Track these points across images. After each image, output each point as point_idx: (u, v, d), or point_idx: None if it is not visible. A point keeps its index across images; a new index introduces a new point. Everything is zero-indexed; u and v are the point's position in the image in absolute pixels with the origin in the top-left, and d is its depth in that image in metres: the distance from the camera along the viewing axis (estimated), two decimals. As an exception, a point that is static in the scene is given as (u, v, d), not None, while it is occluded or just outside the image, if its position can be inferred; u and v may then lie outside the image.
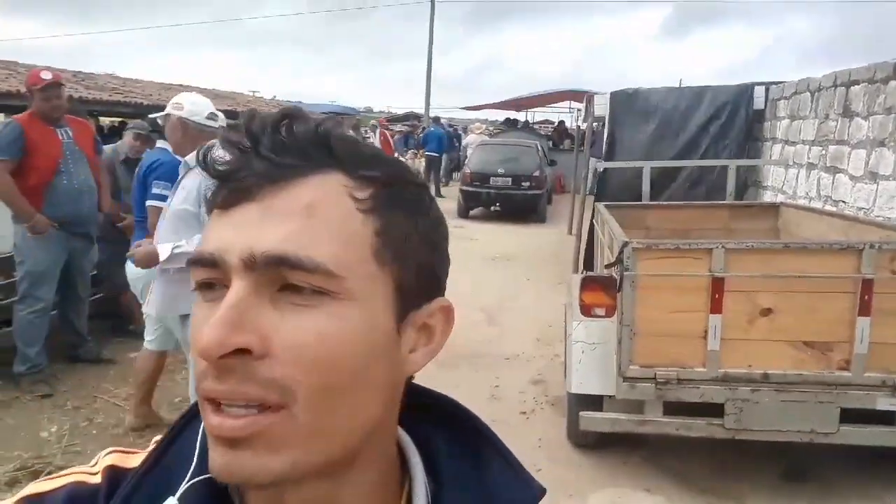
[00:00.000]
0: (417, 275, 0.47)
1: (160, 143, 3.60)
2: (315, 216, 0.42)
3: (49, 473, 2.53)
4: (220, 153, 0.44)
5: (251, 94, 21.78)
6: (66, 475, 0.50)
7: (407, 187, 0.47)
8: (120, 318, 4.99)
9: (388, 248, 0.45)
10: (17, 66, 10.32)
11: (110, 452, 0.52)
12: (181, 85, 16.20)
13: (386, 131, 16.20)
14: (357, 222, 0.44)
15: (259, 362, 0.40)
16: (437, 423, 0.54)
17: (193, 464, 0.47)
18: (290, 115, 0.44)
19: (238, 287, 0.41)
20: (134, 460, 0.51)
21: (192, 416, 0.51)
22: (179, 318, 3.07)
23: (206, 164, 0.45)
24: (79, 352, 4.38)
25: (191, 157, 2.88)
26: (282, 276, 0.41)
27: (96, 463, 0.51)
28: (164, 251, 2.84)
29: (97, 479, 0.50)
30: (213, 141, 0.48)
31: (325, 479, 0.45)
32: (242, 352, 0.40)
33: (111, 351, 4.64)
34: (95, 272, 4.53)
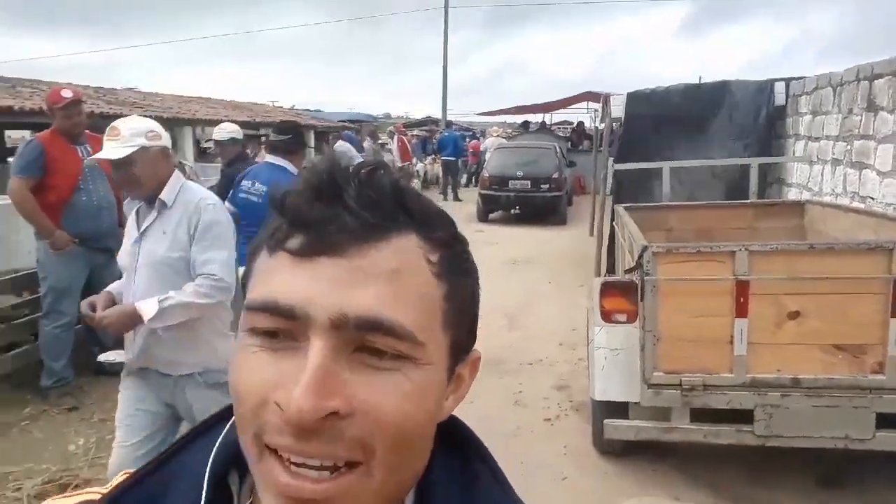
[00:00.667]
0: (468, 333, 0.49)
1: (270, 158, 3.77)
2: (400, 281, 0.42)
3: (76, 487, 2.53)
4: (297, 196, 0.43)
5: (271, 104, 21.98)
6: (78, 494, 0.51)
7: (461, 244, 0.48)
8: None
9: (452, 312, 0.46)
10: (40, 83, 10.52)
11: (125, 474, 0.52)
12: (200, 97, 16.37)
13: (403, 137, 16.18)
14: (432, 288, 0.44)
15: (344, 422, 0.40)
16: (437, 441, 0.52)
17: (203, 496, 0.46)
18: (376, 167, 0.44)
19: (322, 347, 0.40)
20: None
21: (202, 433, 0.51)
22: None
23: (283, 205, 0.44)
24: (103, 365, 4.42)
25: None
26: (366, 339, 0.41)
27: (110, 486, 0.52)
28: (148, 309, 2.14)
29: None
30: (292, 185, 0.45)
31: None
32: (329, 415, 0.39)
33: (136, 363, 4.69)
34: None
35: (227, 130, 5.04)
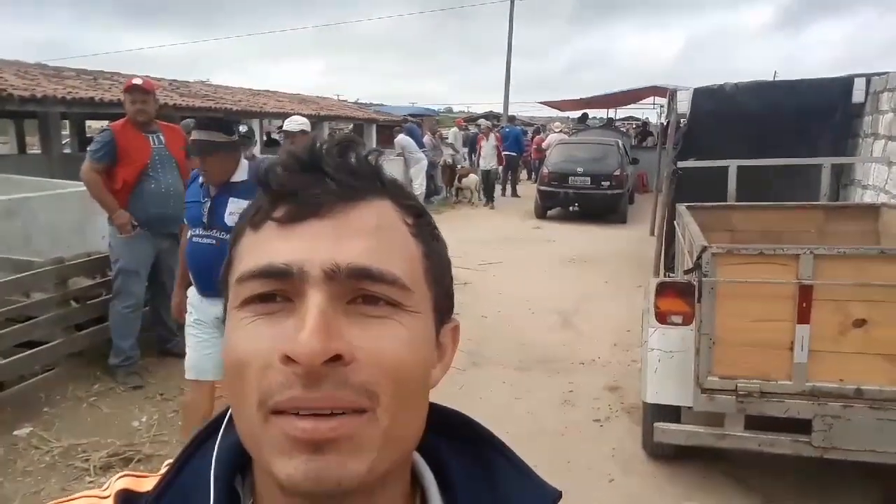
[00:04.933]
0: (446, 296, 0.51)
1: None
2: (384, 235, 0.45)
3: (139, 461, 2.65)
4: (281, 171, 0.46)
5: (336, 97, 22.38)
6: (77, 498, 0.51)
7: (429, 216, 0.52)
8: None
9: (432, 270, 0.49)
10: (119, 76, 11.03)
11: (122, 476, 0.53)
12: (268, 91, 16.84)
13: (494, 133, 14.52)
14: (412, 244, 0.48)
15: (347, 368, 0.41)
16: (445, 435, 0.54)
17: (212, 499, 0.47)
18: (350, 141, 0.47)
19: (320, 297, 0.42)
20: (146, 484, 0.52)
21: (203, 440, 0.51)
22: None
23: (267, 179, 0.46)
24: (168, 346, 4.62)
25: None
26: (357, 288, 0.43)
27: (108, 487, 0.52)
28: None
29: (108, 503, 0.50)
30: (273, 158, 0.49)
31: (361, 494, 0.44)
32: (334, 359, 0.41)
33: (198, 346, 4.88)
34: (184, 271, 4.77)
35: (297, 122, 5.16)
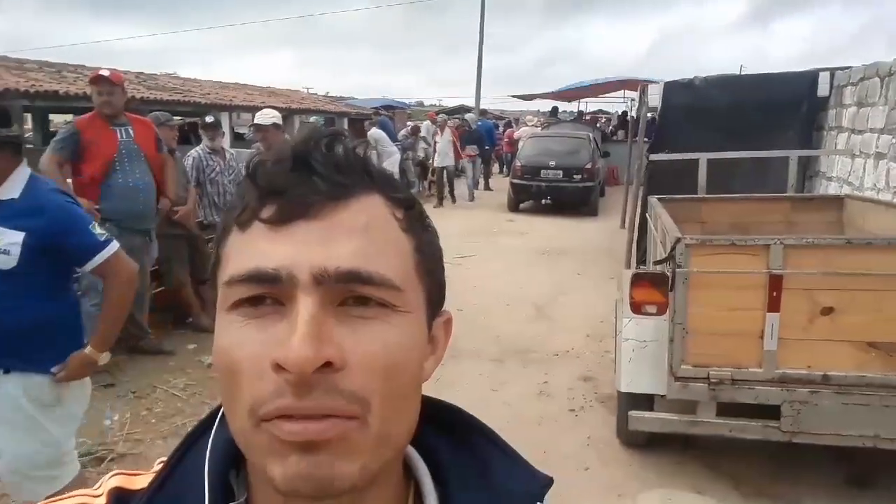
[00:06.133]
0: (438, 288, 0.51)
1: None
2: (373, 233, 0.44)
3: (112, 460, 2.59)
4: (269, 167, 0.45)
5: (305, 90, 22.15)
6: (69, 497, 0.51)
7: (419, 205, 0.51)
8: (179, 311, 5.17)
9: (423, 263, 0.48)
10: (84, 68, 10.78)
11: (115, 475, 0.53)
12: (237, 84, 16.60)
13: (451, 128, 13.39)
14: (403, 239, 0.47)
15: (338, 375, 0.41)
16: (436, 425, 0.54)
17: (206, 495, 0.47)
18: (337, 135, 0.46)
19: (310, 302, 0.41)
20: (139, 482, 0.52)
21: (197, 436, 0.51)
22: None
23: (255, 175, 0.45)
24: (140, 343, 4.55)
25: None
26: (348, 291, 0.43)
27: (100, 486, 0.52)
28: None
29: (101, 501, 0.50)
30: (260, 154, 0.47)
31: (354, 490, 0.44)
32: (325, 366, 0.40)
33: (171, 343, 4.81)
34: (156, 267, 4.70)
35: (269, 115, 5.10)
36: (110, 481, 0.52)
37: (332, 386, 0.41)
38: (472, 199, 13.46)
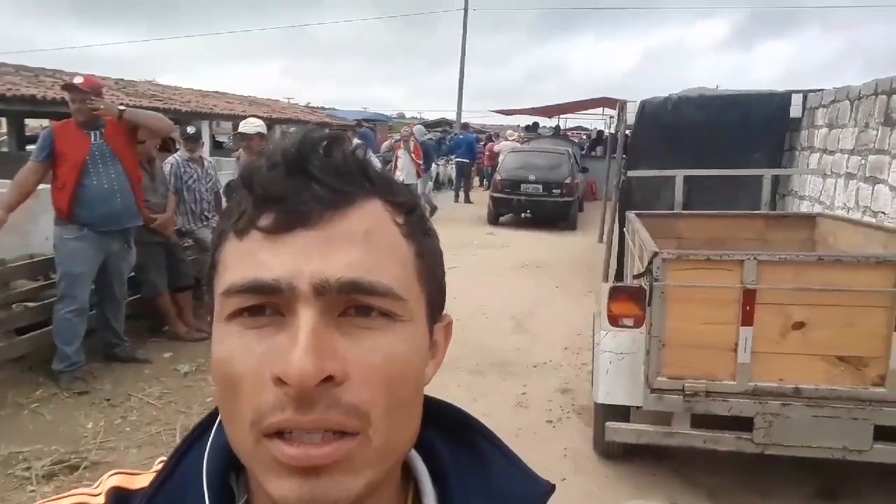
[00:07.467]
0: (439, 293, 0.50)
1: None
2: (373, 242, 0.43)
3: (85, 468, 2.56)
4: (265, 173, 0.44)
5: (287, 100, 22.11)
6: (67, 496, 0.50)
7: (420, 209, 0.50)
8: (156, 319, 5.12)
9: (424, 269, 0.47)
10: (62, 73, 10.66)
11: (114, 474, 0.52)
12: (217, 92, 16.53)
13: (411, 142, 12.09)
14: (404, 246, 0.46)
15: (339, 388, 0.41)
16: (437, 426, 0.54)
17: (206, 498, 0.47)
18: (336, 138, 0.45)
19: (310, 314, 0.41)
20: (138, 481, 0.51)
21: (197, 437, 0.51)
22: None
23: (252, 181, 0.44)
24: (115, 351, 4.49)
25: None
26: (349, 301, 0.42)
27: (99, 485, 0.52)
28: None
29: (100, 500, 0.50)
30: (257, 160, 0.46)
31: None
32: (325, 379, 0.40)
33: (146, 351, 4.76)
34: (133, 274, 4.66)
35: (253, 124, 5.09)
36: (109, 480, 0.52)
37: (334, 400, 0.40)
38: (431, 214, 13.14)
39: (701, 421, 2.97)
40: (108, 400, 4.00)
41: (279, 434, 0.40)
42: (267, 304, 0.42)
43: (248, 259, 0.42)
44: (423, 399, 0.49)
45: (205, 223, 5.45)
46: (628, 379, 3.10)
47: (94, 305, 4.32)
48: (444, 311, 0.52)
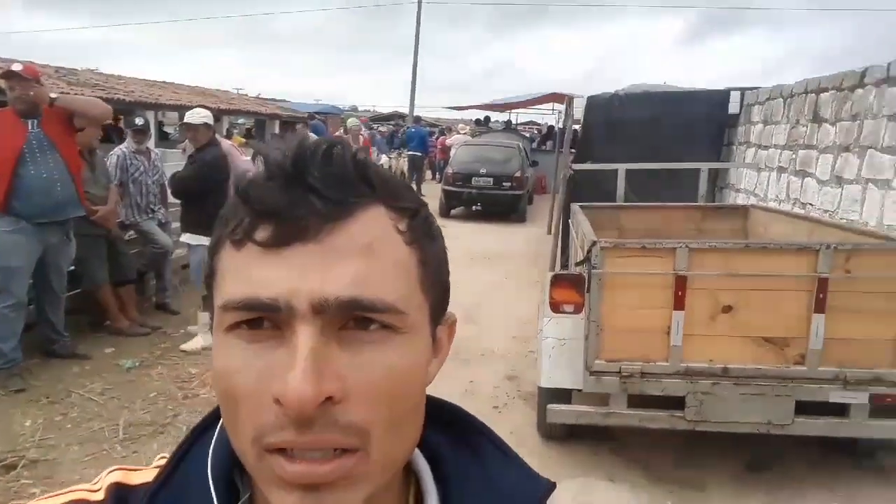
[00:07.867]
0: (444, 294, 0.50)
1: None
2: (375, 254, 0.42)
3: (24, 467, 2.52)
4: (262, 185, 0.42)
5: (236, 91, 21.68)
6: (66, 493, 0.51)
7: (425, 209, 0.49)
8: (97, 313, 5.01)
9: (427, 276, 0.46)
10: (-4, 60, 10.23)
11: (113, 470, 0.53)
12: (164, 82, 16.12)
13: (362, 135, 12.66)
14: (406, 255, 0.44)
15: (338, 407, 0.40)
16: (437, 425, 0.54)
17: (213, 494, 0.47)
18: (334, 144, 0.43)
19: (309, 333, 0.40)
20: (137, 477, 0.52)
21: (202, 432, 0.52)
22: None
23: (248, 193, 0.43)
24: (54, 347, 4.38)
25: None
26: (349, 316, 0.41)
27: (98, 481, 0.52)
28: None
29: (100, 496, 0.50)
30: (251, 170, 0.44)
31: None
32: (325, 400, 0.40)
33: (87, 347, 4.66)
34: (73, 268, 4.54)
35: (200, 114, 5.01)
36: (109, 476, 0.52)
37: (333, 419, 0.40)
38: None
39: (637, 401, 3.10)
40: (48, 397, 3.91)
41: (281, 450, 0.41)
42: (264, 317, 0.41)
43: (245, 273, 0.42)
44: (425, 404, 0.48)
45: (150, 216, 5.36)
46: (569, 363, 3.20)
47: (31, 300, 4.20)
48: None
